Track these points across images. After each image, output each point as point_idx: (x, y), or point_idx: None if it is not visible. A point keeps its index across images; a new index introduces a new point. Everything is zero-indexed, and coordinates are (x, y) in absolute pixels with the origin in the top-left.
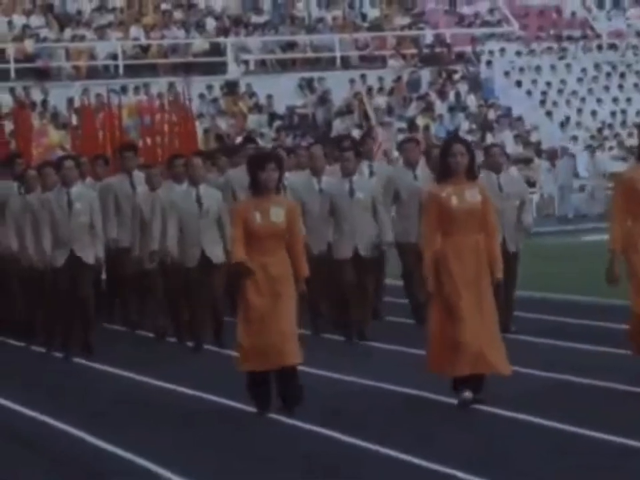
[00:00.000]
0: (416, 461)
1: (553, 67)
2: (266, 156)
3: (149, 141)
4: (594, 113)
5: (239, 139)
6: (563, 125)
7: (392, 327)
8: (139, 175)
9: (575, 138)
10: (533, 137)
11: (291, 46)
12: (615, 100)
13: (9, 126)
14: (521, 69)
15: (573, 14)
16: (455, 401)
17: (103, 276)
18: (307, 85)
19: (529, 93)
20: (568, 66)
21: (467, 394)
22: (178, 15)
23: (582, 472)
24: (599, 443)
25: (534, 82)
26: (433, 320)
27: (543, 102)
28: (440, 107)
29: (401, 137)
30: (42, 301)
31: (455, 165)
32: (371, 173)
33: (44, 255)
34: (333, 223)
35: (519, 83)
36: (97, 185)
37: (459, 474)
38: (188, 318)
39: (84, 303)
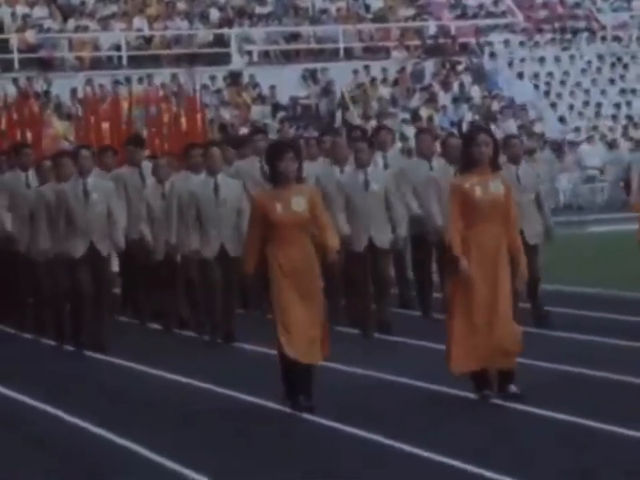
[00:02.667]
0: (431, 455)
1: (556, 59)
2: (284, 145)
3: (154, 130)
4: (598, 105)
5: (242, 130)
6: (565, 116)
7: (410, 320)
8: (148, 166)
9: (577, 129)
10: (537, 128)
11: (294, 37)
12: (622, 91)
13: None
14: (525, 60)
15: (577, 5)
16: (472, 395)
17: (115, 268)
18: (311, 76)
19: (532, 84)
20: (572, 57)
21: (486, 392)
22: (181, 5)
23: (599, 466)
24: (615, 437)
25: (538, 73)
26: (452, 315)
27: (546, 93)
28: (444, 98)
29: (404, 127)
30: (53, 294)
31: (479, 155)
32: (386, 165)
33: (60, 248)
34: (348, 215)
35: (523, 75)
36: (107, 175)
37: (475, 469)
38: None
39: (100, 297)
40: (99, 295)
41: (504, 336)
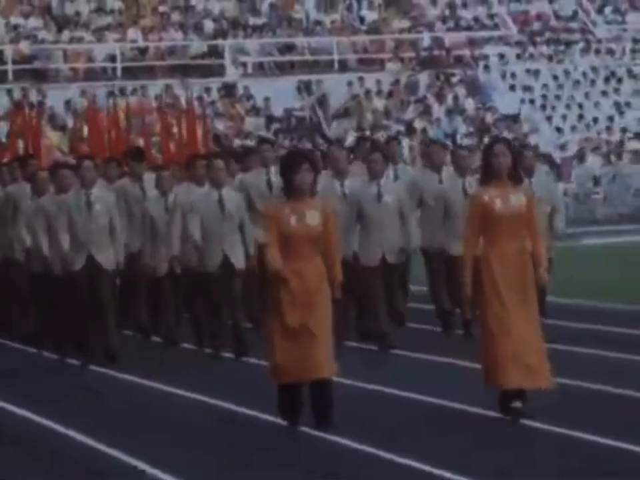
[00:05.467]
0: (433, 470)
1: (551, 71)
2: (300, 155)
3: (149, 141)
4: (593, 118)
5: (236, 141)
6: (560, 129)
7: (416, 334)
8: (150, 179)
9: (569, 142)
10: (531, 141)
11: (289, 48)
12: (616, 104)
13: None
14: (519, 73)
15: (572, 18)
16: (476, 410)
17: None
18: (305, 88)
19: (526, 96)
20: (566, 70)
21: (517, 403)
22: (176, 17)
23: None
24: (620, 452)
25: (532, 86)
26: (483, 330)
27: (541, 106)
28: (438, 110)
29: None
30: (53, 307)
31: (498, 165)
32: (396, 177)
33: (60, 260)
34: (359, 228)
35: (517, 87)
36: (109, 187)
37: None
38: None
39: (103, 310)
40: (102, 308)
41: (530, 357)
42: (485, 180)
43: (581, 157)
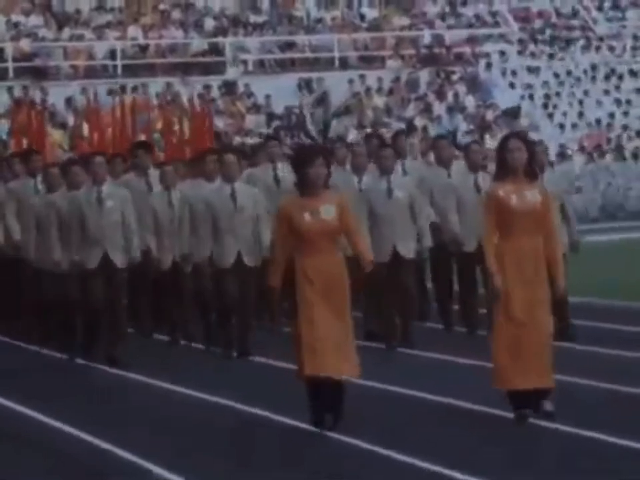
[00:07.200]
0: (437, 468)
1: (551, 69)
2: (314, 150)
3: (152, 138)
4: (594, 116)
5: (236, 139)
6: (563, 125)
7: (420, 331)
8: (155, 175)
9: (572, 140)
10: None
11: (289, 46)
12: (617, 101)
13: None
14: (520, 71)
15: (572, 15)
16: (482, 408)
17: None
18: (306, 85)
19: (526, 94)
20: (566, 67)
21: (526, 411)
22: (176, 14)
23: None
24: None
25: (532, 83)
26: (496, 329)
27: (541, 104)
28: (438, 108)
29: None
30: (60, 305)
31: (512, 161)
32: (404, 172)
33: (72, 258)
34: (370, 224)
35: (517, 85)
36: (115, 183)
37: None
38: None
39: (114, 310)
40: (113, 307)
41: (535, 356)
42: (500, 175)
43: (563, 154)
